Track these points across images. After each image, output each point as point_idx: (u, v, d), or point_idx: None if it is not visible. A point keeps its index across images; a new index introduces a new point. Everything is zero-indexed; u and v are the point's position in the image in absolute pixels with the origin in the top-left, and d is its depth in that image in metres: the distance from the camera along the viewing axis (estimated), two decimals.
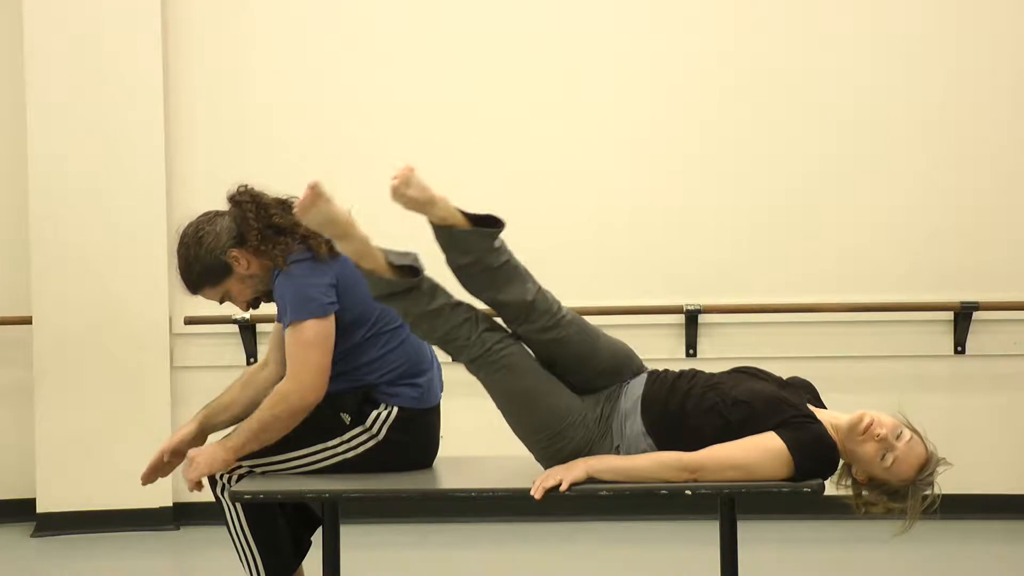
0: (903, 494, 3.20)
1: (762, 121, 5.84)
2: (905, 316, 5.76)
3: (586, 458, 3.17)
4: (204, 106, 5.90)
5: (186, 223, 3.57)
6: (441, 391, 3.65)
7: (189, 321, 5.77)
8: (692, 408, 3.19)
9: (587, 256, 5.84)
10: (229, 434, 3.50)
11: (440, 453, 3.65)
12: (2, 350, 6.01)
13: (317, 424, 3.47)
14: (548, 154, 5.86)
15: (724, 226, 5.84)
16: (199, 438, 3.63)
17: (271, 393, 3.45)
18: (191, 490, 3.49)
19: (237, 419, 3.61)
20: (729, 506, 3.23)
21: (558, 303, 3.28)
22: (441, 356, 3.45)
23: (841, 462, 3.23)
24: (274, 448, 3.47)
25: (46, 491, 5.78)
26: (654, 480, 3.11)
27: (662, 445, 3.18)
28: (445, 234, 3.18)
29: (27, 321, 5.83)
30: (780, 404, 3.17)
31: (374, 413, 3.49)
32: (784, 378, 3.40)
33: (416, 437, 3.54)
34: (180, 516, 5.81)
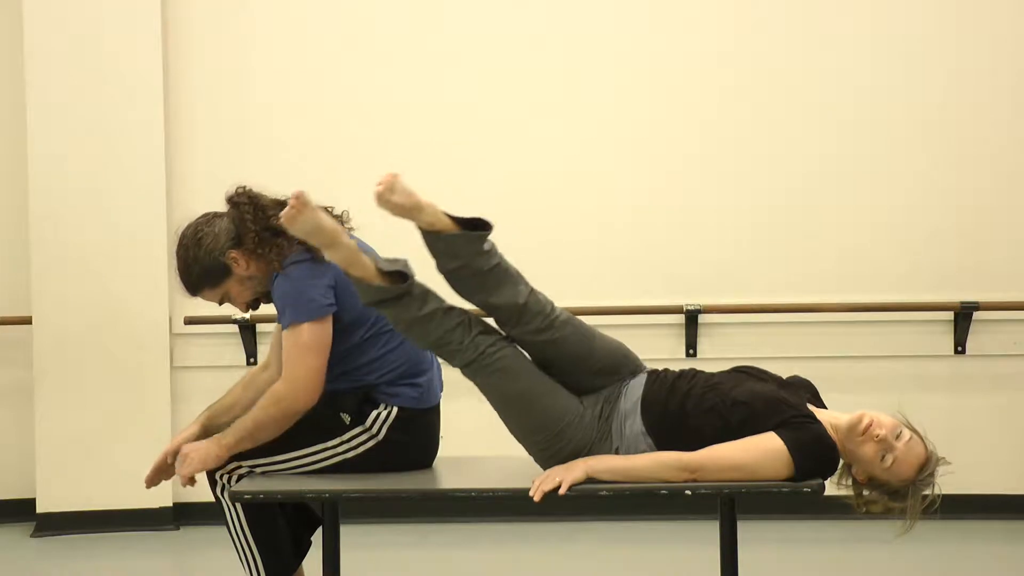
0: (903, 494, 3.21)
1: (762, 121, 5.84)
2: (905, 316, 5.76)
3: (585, 458, 3.17)
4: (204, 106, 5.90)
5: (185, 225, 3.57)
6: (441, 391, 3.65)
7: (189, 321, 5.77)
8: (692, 409, 3.19)
9: (587, 256, 5.84)
10: (224, 431, 3.51)
11: (440, 453, 3.65)
12: (2, 350, 6.01)
13: (317, 424, 3.48)
14: (548, 154, 5.86)
15: (724, 226, 5.84)
16: (202, 440, 3.62)
17: (267, 393, 3.46)
18: (184, 485, 3.51)
19: None
20: (729, 506, 3.23)
21: (551, 304, 3.27)
22: None
23: (841, 462, 3.23)
24: (274, 448, 3.47)
25: (46, 491, 5.78)
26: (653, 480, 3.11)
27: (662, 446, 3.18)
28: (433, 239, 3.17)
29: (27, 321, 5.83)
30: (780, 404, 3.17)
31: (374, 413, 3.49)
32: (784, 377, 3.40)
33: (416, 437, 3.54)
34: (180, 516, 5.81)
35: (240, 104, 5.90)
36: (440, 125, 5.87)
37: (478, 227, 3.18)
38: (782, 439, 3.09)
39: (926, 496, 3.21)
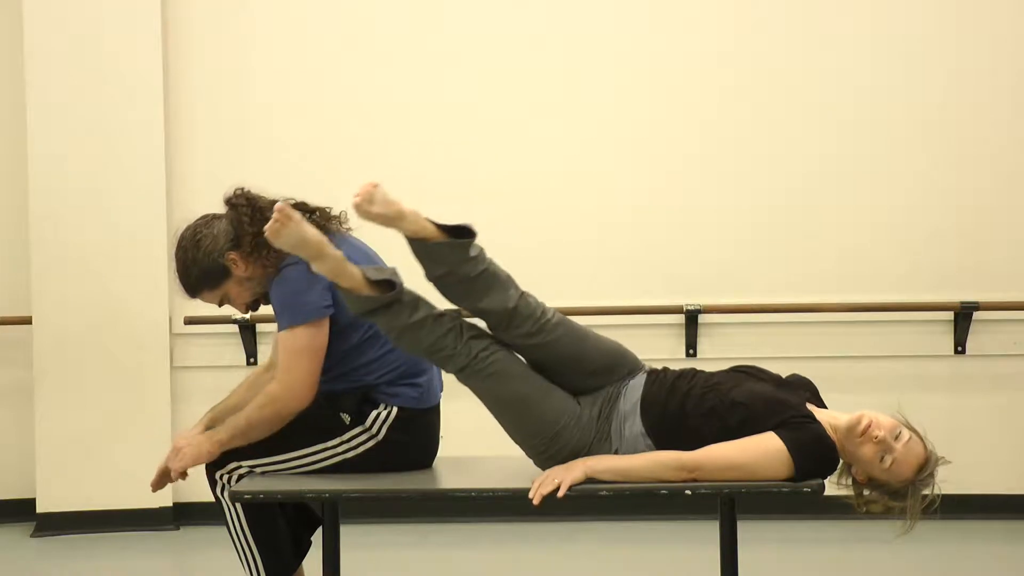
0: (902, 494, 3.21)
1: (762, 121, 5.84)
2: (905, 316, 5.76)
3: (585, 458, 3.17)
4: (204, 106, 5.90)
5: (184, 227, 3.58)
6: (441, 391, 3.65)
7: (189, 321, 5.77)
8: (692, 410, 3.19)
9: (587, 256, 5.84)
10: (208, 421, 3.52)
11: (440, 453, 3.65)
12: (2, 350, 6.01)
13: (317, 424, 3.48)
14: (548, 154, 5.86)
15: (724, 226, 5.84)
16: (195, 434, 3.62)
17: (261, 393, 3.48)
18: (174, 479, 3.53)
19: None
20: (729, 506, 3.23)
21: (542, 307, 3.26)
22: None
23: (841, 462, 3.23)
24: (274, 448, 3.47)
25: (46, 491, 5.78)
26: (652, 480, 3.11)
27: (661, 446, 3.18)
28: (419, 247, 3.18)
29: (27, 321, 5.83)
30: (779, 405, 3.17)
31: (374, 413, 3.49)
32: (784, 376, 3.40)
33: (416, 437, 3.54)
34: (180, 516, 5.81)
35: (240, 104, 5.90)
36: (440, 125, 5.87)
37: (464, 234, 3.16)
38: (781, 439, 3.09)
39: (926, 496, 3.21)
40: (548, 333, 3.23)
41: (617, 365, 3.31)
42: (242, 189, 3.55)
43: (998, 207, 5.79)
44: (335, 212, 3.55)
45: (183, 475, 3.51)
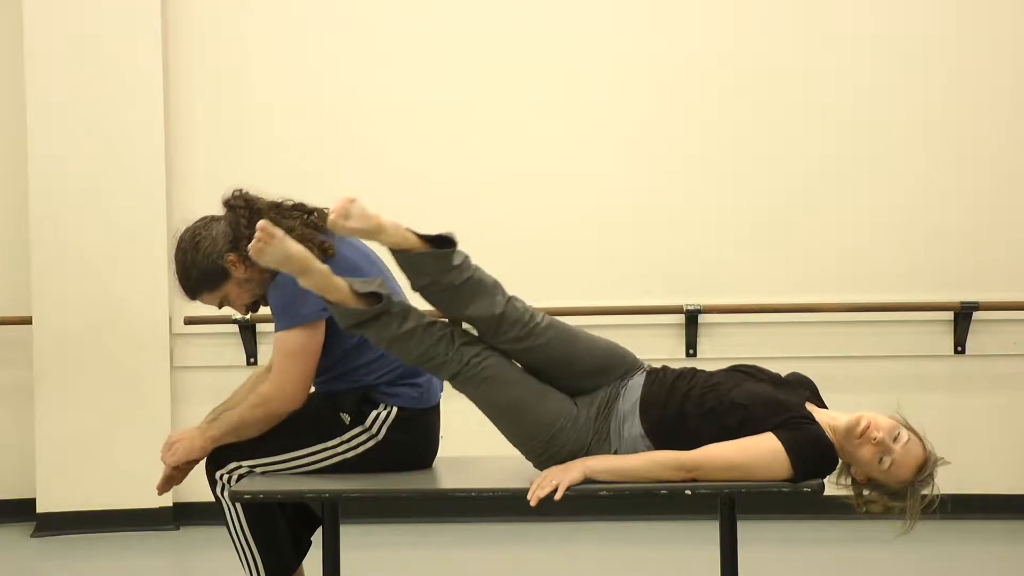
0: (902, 494, 3.21)
1: (762, 121, 5.84)
2: (905, 316, 5.76)
3: (583, 459, 3.17)
4: (204, 106, 5.90)
5: (183, 229, 3.58)
6: (441, 391, 3.65)
7: (189, 321, 5.77)
8: (691, 411, 3.18)
9: (587, 256, 5.84)
10: (211, 422, 3.53)
11: (440, 453, 3.65)
12: (2, 350, 6.01)
13: (317, 424, 3.48)
14: (548, 154, 5.86)
15: (724, 226, 5.84)
16: (189, 430, 3.62)
17: (254, 393, 3.50)
18: (168, 474, 3.56)
19: None
20: (729, 506, 3.23)
21: (530, 312, 3.25)
22: None
23: (840, 461, 3.23)
24: (274, 448, 3.48)
25: (46, 491, 5.78)
26: (651, 480, 3.11)
27: (661, 447, 3.17)
28: (401, 258, 3.17)
29: (27, 321, 5.83)
30: (778, 406, 3.17)
31: (374, 413, 3.49)
32: (783, 375, 3.40)
33: (416, 437, 3.54)
34: (180, 516, 5.81)
35: (240, 104, 5.90)
36: (440, 125, 5.87)
37: (446, 244, 3.16)
38: (780, 440, 3.09)
39: (925, 496, 3.20)
40: (538, 337, 3.23)
41: (613, 365, 3.31)
42: (240, 191, 3.55)
43: (998, 207, 5.79)
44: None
45: (176, 471, 3.54)
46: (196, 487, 3.80)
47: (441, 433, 3.64)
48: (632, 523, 5.70)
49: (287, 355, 3.42)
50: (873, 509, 3.27)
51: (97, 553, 5.51)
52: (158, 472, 3.63)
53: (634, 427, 3.21)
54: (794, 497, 3.09)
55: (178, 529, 5.81)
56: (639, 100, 5.86)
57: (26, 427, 5.86)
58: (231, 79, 5.91)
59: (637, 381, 3.28)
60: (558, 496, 3.08)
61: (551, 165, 5.86)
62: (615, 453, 3.21)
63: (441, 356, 3.20)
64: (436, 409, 3.62)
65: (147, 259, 5.72)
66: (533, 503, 3.09)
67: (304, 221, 3.46)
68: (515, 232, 5.81)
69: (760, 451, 3.09)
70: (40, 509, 5.78)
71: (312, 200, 3.58)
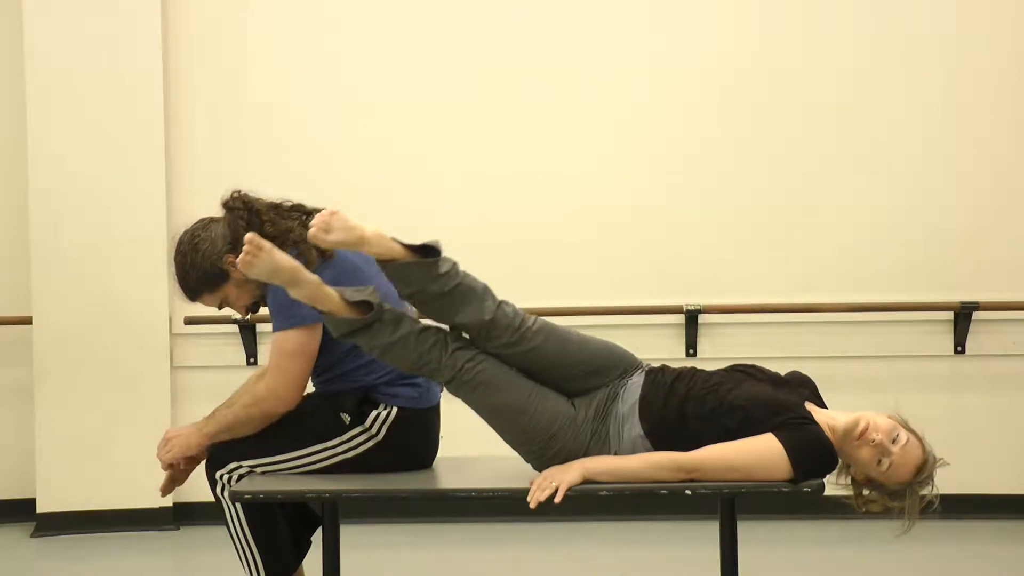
0: (901, 494, 3.20)
1: (762, 121, 5.84)
2: (905, 316, 5.76)
3: (582, 460, 3.16)
4: (204, 106, 5.90)
5: (182, 231, 3.58)
6: (441, 391, 3.64)
7: (189, 321, 5.77)
8: (691, 412, 3.18)
9: (587, 256, 5.84)
10: (207, 418, 3.53)
11: (440, 453, 3.65)
12: (2, 350, 6.01)
13: (317, 424, 3.48)
14: (548, 154, 5.86)
15: (724, 226, 5.84)
16: (209, 445, 3.62)
17: (250, 392, 3.51)
18: (164, 469, 3.58)
19: None
20: (729, 506, 3.23)
21: (521, 316, 3.24)
22: None
23: (840, 461, 3.23)
24: (274, 448, 3.48)
25: (46, 491, 5.78)
26: (651, 481, 3.11)
27: (660, 449, 3.17)
28: (387, 268, 3.17)
29: (27, 321, 5.83)
30: (777, 406, 3.17)
31: (373, 413, 3.49)
32: (783, 374, 3.39)
33: (416, 437, 3.54)
34: (180, 516, 5.81)
35: (240, 104, 5.90)
36: (440, 125, 5.87)
37: (431, 252, 3.16)
38: (780, 440, 3.09)
39: (924, 497, 3.20)
40: (529, 341, 3.22)
41: (609, 365, 3.30)
42: (239, 192, 3.56)
43: (998, 207, 5.79)
44: None
45: (170, 467, 3.55)
46: (196, 487, 3.80)
47: (441, 433, 3.64)
48: (632, 523, 5.70)
49: (285, 355, 3.42)
50: (873, 508, 3.27)
51: (97, 553, 5.51)
52: (158, 472, 3.64)
53: (633, 428, 3.20)
54: (794, 497, 3.09)
55: (178, 529, 5.81)
56: (639, 100, 5.86)
57: (26, 427, 5.86)
58: (231, 79, 5.91)
59: (636, 381, 3.27)
60: (558, 499, 3.08)
61: (551, 165, 5.86)
62: (615, 454, 3.21)
63: (435, 362, 3.20)
64: (436, 409, 3.62)
65: (147, 259, 5.72)
66: (533, 506, 3.09)
67: (303, 222, 3.46)
68: (515, 232, 5.81)
69: (760, 452, 3.09)
70: (40, 509, 5.78)
71: (312, 200, 3.58)
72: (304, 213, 3.52)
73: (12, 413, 5.97)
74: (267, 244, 3.12)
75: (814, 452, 3.11)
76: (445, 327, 3.26)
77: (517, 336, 3.21)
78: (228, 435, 3.49)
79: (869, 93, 5.80)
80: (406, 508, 5.78)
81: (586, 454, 3.20)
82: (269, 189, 3.61)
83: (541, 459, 3.24)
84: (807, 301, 5.74)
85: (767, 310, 5.75)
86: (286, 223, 3.45)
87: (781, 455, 3.08)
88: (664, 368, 3.34)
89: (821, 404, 3.32)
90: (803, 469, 3.09)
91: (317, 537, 3.62)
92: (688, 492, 3.11)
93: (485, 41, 5.90)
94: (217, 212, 3.59)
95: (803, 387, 3.35)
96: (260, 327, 5.76)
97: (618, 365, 3.31)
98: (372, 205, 5.39)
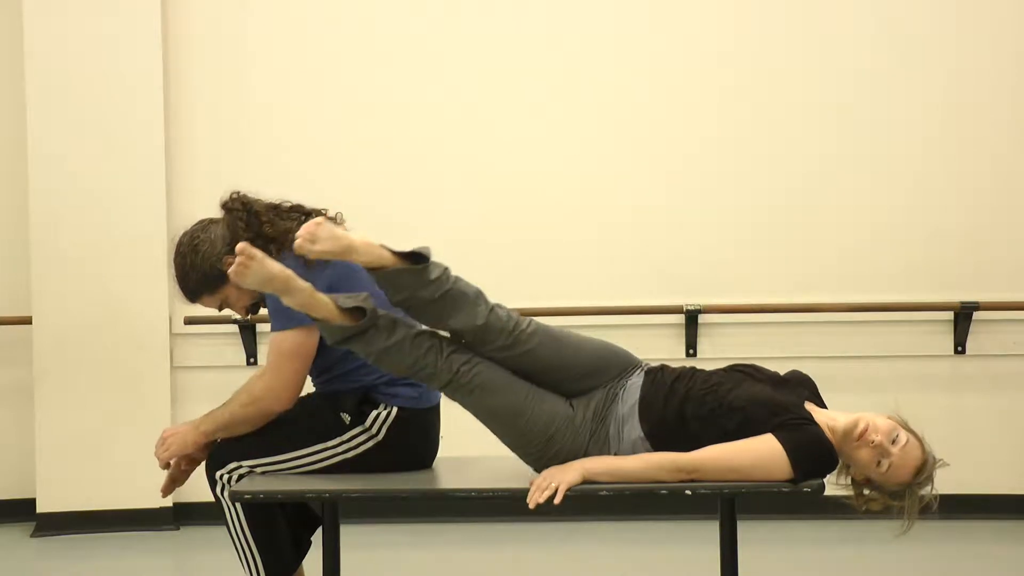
0: (900, 494, 3.20)
1: (762, 121, 5.84)
2: (905, 316, 5.76)
3: (581, 460, 3.16)
4: (204, 106, 5.90)
5: (181, 232, 3.58)
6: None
7: (189, 321, 5.77)
8: (691, 413, 3.18)
9: (587, 256, 5.84)
10: (204, 416, 3.53)
11: (440, 453, 3.65)
12: (2, 350, 6.01)
13: (317, 424, 3.48)
14: (548, 154, 5.86)
15: (724, 226, 5.84)
16: (208, 445, 3.62)
17: (247, 391, 3.50)
18: (162, 468, 3.58)
19: None
20: (729, 506, 3.23)
21: (515, 319, 3.23)
22: None
23: (840, 461, 3.23)
24: (274, 448, 3.48)
25: (46, 491, 5.78)
26: (650, 482, 3.11)
27: (660, 450, 3.17)
28: (378, 275, 3.16)
29: (27, 321, 5.83)
30: (777, 407, 3.16)
31: (373, 413, 3.49)
32: (783, 373, 3.39)
33: (416, 437, 3.54)
34: (180, 516, 5.81)
35: (240, 104, 5.90)
36: (440, 125, 5.87)
37: (421, 259, 3.15)
38: (780, 441, 3.09)
39: (923, 497, 3.20)
40: (524, 344, 3.22)
41: (606, 365, 3.29)
42: (238, 193, 3.56)
43: (998, 207, 5.79)
44: (331, 214, 3.55)
45: (167, 465, 3.56)
46: (196, 487, 3.80)
47: (441, 433, 3.64)
48: (632, 523, 5.70)
49: (282, 355, 3.43)
50: (873, 507, 3.26)
51: (97, 553, 5.51)
52: (158, 472, 3.64)
53: (633, 429, 3.20)
54: (794, 497, 3.09)
55: (178, 529, 5.81)
56: (639, 100, 5.86)
57: (26, 427, 5.86)
58: (231, 79, 5.91)
59: (635, 382, 3.27)
60: (557, 499, 3.08)
61: (551, 165, 5.86)
62: (615, 455, 3.21)
63: (431, 366, 3.20)
64: (436, 409, 3.62)
65: (147, 259, 5.71)
66: (532, 507, 3.09)
67: (302, 223, 3.45)
68: (515, 232, 5.81)
69: (760, 452, 3.09)
70: (40, 509, 5.78)
71: (312, 200, 3.58)
72: (303, 214, 3.52)
73: (12, 413, 5.97)
74: (259, 253, 3.11)
75: (814, 452, 3.11)
76: (441, 332, 3.26)
77: (511, 340, 3.21)
78: (225, 433, 3.50)
79: (869, 93, 5.80)
80: (406, 508, 5.78)
81: (585, 455, 3.20)
82: (269, 189, 3.61)
83: (540, 461, 3.23)
84: (807, 301, 5.75)
85: (767, 310, 5.75)
86: (285, 224, 3.45)
87: (781, 455, 3.08)
88: (663, 368, 3.34)
89: (821, 404, 3.32)
90: (803, 469, 3.08)
91: (317, 537, 3.62)
92: (688, 492, 3.11)
93: (485, 41, 5.90)
94: (217, 212, 3.59)
95: (803, 387, 3.35)
96: (260, 327, 5.76)
97: (616, 366, 3.31)
98: (372, 205, 5.41)
